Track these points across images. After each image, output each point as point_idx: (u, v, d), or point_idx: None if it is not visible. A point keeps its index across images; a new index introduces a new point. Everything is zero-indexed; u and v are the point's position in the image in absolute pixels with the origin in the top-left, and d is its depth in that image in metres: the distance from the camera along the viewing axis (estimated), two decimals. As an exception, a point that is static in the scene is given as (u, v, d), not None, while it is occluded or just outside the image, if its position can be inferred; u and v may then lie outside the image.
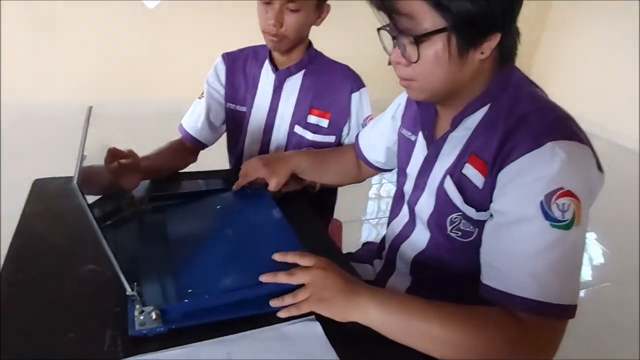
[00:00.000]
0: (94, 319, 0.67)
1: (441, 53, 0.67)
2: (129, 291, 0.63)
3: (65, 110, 3.17)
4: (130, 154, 0.91)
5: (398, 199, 0.97)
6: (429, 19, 0.65)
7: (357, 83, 1.18)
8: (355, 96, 1.17)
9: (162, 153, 1.13)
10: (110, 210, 0.81)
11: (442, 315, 0.64)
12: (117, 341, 0.63)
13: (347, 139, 1.22)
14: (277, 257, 0.74)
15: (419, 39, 0.66)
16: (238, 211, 0.97)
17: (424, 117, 0.86)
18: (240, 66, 1.21)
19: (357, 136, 1.12)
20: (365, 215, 2.68)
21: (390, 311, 0.65)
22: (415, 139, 0.89)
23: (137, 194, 0.95)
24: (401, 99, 1.00)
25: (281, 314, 0.68)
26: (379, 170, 1.11)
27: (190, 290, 0.70)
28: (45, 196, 0.97)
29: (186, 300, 0.68)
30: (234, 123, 1.24)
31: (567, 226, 0.62)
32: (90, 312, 0.68)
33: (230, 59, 1.21)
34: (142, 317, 0.65)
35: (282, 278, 0.70)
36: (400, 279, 0.94)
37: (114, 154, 0.85)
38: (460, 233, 0.78)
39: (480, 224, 0.75)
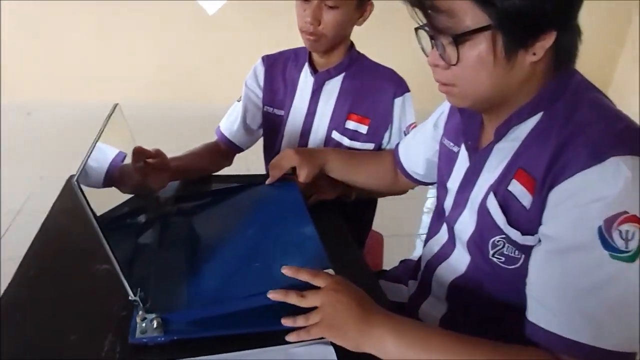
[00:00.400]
0: (99, 321, 0.64)
1: (485, 54, 0.59)
2: (131, 296, 0.60)
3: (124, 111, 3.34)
4: (158, 154, 0.90)
5: (438, 215, 0.87)
6: (471, 16, 0.57)
7: (401, 87, 1.10)
8: (398, 101, 1.09)
9: (194, 154, 1.12)
10: (132, 211, 0.80)
11: (471, 354, 0.55)
12: (115, 348, 0.60)
13: (388, 148, 1.14)
14: (287, 271, 0.66)
15: (460, 39, 0.59)
16: (262, 210, 0.92)
17: (467, 126, 0.77)
18: (279, 69, 1.18)
19: (397, 144, 1.04)
20: (419, 229, 2.55)
21: (410, 345, 0.57)
22: (458, 151, 0.80)
23: (164, 194, 0.94)
24: (445, 106, 0.91)
25: (290, 338, 0.62)
26: (418, 182, 1.02)
27: (196, 299, 0.65)
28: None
29: (187, 309, 0.63)
30: (270, 127, 1.21)
31: (631, 258, 0.52)
32: (96, 314, 0.66)
33: (270, 61, 1.18)
34: (143, 325, 0.61)
35: (292, 299, 0.63)
36: (435, 305, 0.85)
37: (139, 153, 0.84)
38: (503, 259, 0.69)
39: (527, 250, 0.65)
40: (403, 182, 1.05)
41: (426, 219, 2.65)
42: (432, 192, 2.90)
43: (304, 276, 0.65)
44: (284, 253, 0.77)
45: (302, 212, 0.86)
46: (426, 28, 0.63)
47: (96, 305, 0.67)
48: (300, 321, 0.62)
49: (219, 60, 3.60)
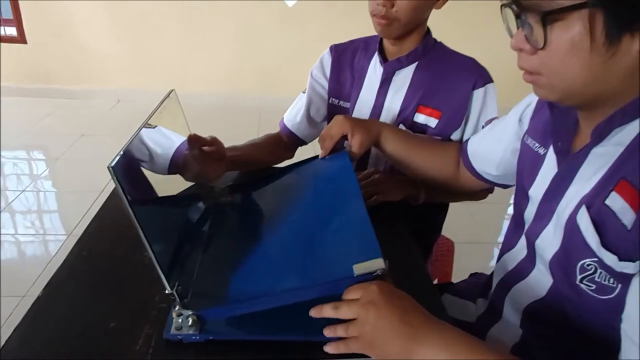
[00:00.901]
0: (140, 310, 0.62)
1: (579, 38, 0.48)
2: (168, 289, 0.57)
3: (202, 100, 3.48)
4: (214, 142, 0.87)
5: (515, 225, 0.75)
6: None
7: (482, 78, 0.97)
8: (478, 93, 0.97)
9: (254, 145, 1.08)
10: (183, 200, 0.78)
11: None
12: (150, 342, 0.57)
13: None
14: (314, 313, 0.58)
15: (549, 18, 0.49)
16: (313, 191, 0.83)
17: (557, 124, 0.65)
18: (348, 59, 1.11)
19: (467, 140, 0.93)
20: (499, 237, 2.35)
21: None
22: (545, 153, 0.68)
23: (218, 184, 0.91)
24: (532, 98, 0.78)
25: (328, 348, 0.56)
26: (489, 183, 0.90)
27: (236, 295, 0.61)
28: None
29: (221, 307, 0.59)
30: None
31: None
32: (138, 302, 0.64)
33: (338, 50, 1.12)
34: (179, 321, 0.58)
35: (327, 312, 0.56)
36: (506, 331, 0.73)
37: (193, 141, 0.82)
38: (594, 286, 0.56)
39: (624, 279, 0.52)
40: (467, 181, 0.93)
41: (506, 227, 2.43)
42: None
43: (328, 312, 0.56)
44: (331, 241, 0.67)
45: (353, 191, 0.73)
46: (513, 5, 0.53)
47: (140, 293, 0.65)
48: (340, 331, 0.55)
49: (293, 53, 3.61)
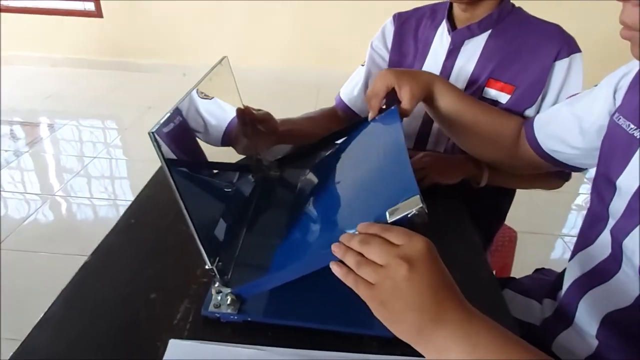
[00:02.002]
0: (180, 283, 0.61)
1: None
2: (208, 265, 0.54)
3: (260, 74, 3.48)
4: (265, 118, 0.84)
5: (594, 219, 0.65)
6: None
7: (567, 47, 0.84)
8: (561, 64, 0.85)
9: (308, 118, 1.04)
10: (231, 173, 0.76)
11: None
12: (188, 317, 0.56)
13: None
14: (361, 227, 0.47)
15: None
16: (360, 153, 0.74)
17: None
18: (411, 27, 1.02)
19: (537, 115, 0.80)
20: (563, 229, 2.18)
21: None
22: None
23: (270, 158, 0.88)
24: (628, 68, 0.65)
25: (334, 267, 0.46)
26: (554, 163, 0.77)
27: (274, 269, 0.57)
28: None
29: (254, 280, 0.55)
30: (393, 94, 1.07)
31: None
32: (180, 275, 0.63)
33: (402, 19, 1.03)
34: (219, 298, 0.56)
35: (353, 243, 0.46)
36: (578, 340, 0.64)
37: (242, 113, 0.78)
38: None
39: None
40: (525, 159, 0.80)
41: (573, 219, 2.26)
42: (585, 187, 2.45)
43: (376, 229, 0.45)
44: (372, 198, 0.59)
45: (399, 147, 0.63)
46: None
47: (182, 266, 0.64)
48: (350, 260, 0.45)
49: (354, 24, 3.49)
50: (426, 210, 0.44)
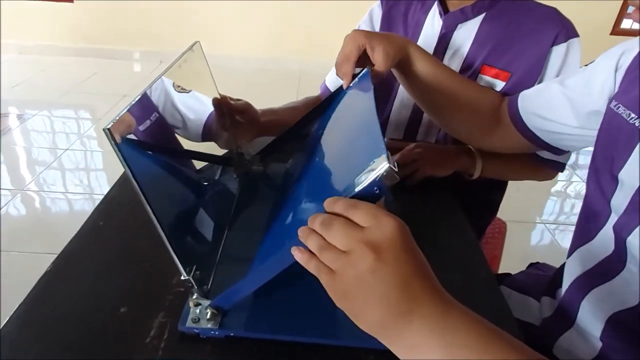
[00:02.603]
0: (154, 294, 0.55)
1: None
2: (183, 275, 0.49)
3: (241, 63, 3.39)
4: (244, 108, 0.78)
5: (591, 214, 0.61)
6: None
7: (565, 31, 0.80)
8: (558, 50, 0.80)
9: (293, 108, 0.98)
10: (209, 171, 0.69)
11: None
12: (163, 333, 0.50)
13: None
14: (326, 205, 0.40)
15: None
16: (335, 128, 0.65)
17: None
18: (400, 11, 0.96)
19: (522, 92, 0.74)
20: (543, 215, 2.18)
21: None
22: None
23: (252, 151, 0.82)
24: (629, 45, 0.60)
25: (295, 252, 0.40)
26: (539, 143, 0.72)
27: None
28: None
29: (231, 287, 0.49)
30: (382, 82, 1.01)
31: None
32: (152, 285, 0.56)
33: (390, 3, 0.97)
34: (197, 311, 0.50)
35: (315, 223, 0.39)
36: (582, 341, 0.61)
37: (219, 103, 0.72)
38: None
39: None
40: (510, 137, 0.74)
41: (552, 205, 2.27)
42: (564, 175, 2.46)
43: (341, 207, 0.38)
44: (341, 162, 0.52)
45: (369, 106, 0.55)
46: None
47: (156, 273, 0.58)
48: (312, 243, 0.39)
49: (339, 12, 3.41)
50: (395, 169, 0.37)
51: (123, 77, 3.39)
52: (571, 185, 2.45)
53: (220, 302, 0.50)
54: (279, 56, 3.62)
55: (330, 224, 0.38)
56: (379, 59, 0.67)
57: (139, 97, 0.47)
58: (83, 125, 2.74)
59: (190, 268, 0.49)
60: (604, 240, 0.59)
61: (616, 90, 0.59)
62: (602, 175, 0.58)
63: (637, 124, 0.53)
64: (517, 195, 1.06)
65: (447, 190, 0.84)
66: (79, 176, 2.24)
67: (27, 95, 3.05)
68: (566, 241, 2.06)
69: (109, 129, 0.39)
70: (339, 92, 0.72)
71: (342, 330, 0.50)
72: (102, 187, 2.15)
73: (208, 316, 0.49)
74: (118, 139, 0.41)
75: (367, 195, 0.38)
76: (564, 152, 0.75)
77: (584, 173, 2.53)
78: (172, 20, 3.56)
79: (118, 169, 0.40)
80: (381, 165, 0.37)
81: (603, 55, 0.64)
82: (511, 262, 1.19)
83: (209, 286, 0.52)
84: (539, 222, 2.16)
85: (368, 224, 0.36)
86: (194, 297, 0.50)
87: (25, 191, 2.06)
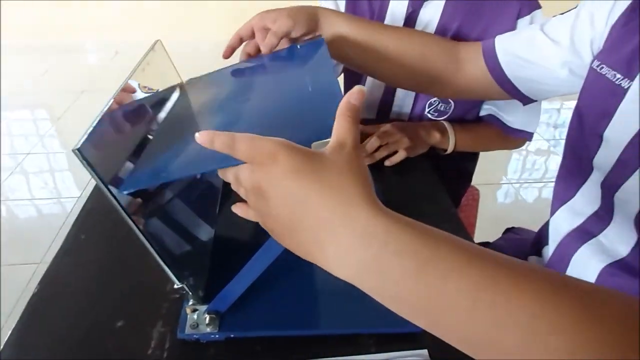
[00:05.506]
0: (149, 304, 0.55)
1: None
2: (177, 283, 0.49)
3: (200, 50, 3.28)
4: None
5: (574, 172, 0.63)
6: None
7: (528, 3, 0.82)
8: (523, 22, 0.82)
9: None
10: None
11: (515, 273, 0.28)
12: (164, 343, 0.50)
13: None
14: (202, 138, 0.35)
15: None
16: (276, 85, 0.61)
17: None
18: (365, -10, 0.95)
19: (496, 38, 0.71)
20: (507, 175, 2.27)
21: (387, 262, 0.30)
22: (628, 86, 0.53)
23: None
24: (614, 4, 0.57)
25: (235, 208, 0.40)
26: (512, 94, 0.70)
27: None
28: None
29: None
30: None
31: None
32: (147, 294, 0.56)
33: (354, -20, 0.96)
34: (195, 317, 0.50)
35: (240, 192, 0.38)
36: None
37: None
38: None
39: None
40: (476, 85, 0.73)
41: (515, 164, 2.35)
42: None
43: (220, 145, 0.34)
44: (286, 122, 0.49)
45: (328, 78, 0.52)
46: None
47: (148, 283, 0.57)
48: (242, 191, 0.37)
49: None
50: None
51: (78, 71, 3.24)
52: (532, 143, 2.53)
53: (216, 305, 0.50)
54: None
55: (232, 176, 0.37)
56: (275, 28, 0.64)
57: (106, 108, 0.45)
58: (42, 126, 2.62)
59: (183, 275, 0.49)
60: (588, 198, 0.61)
61: (601, 47, 0.59)
62: (585, 134, 0.60)
63: (623, 85, 0.54)
64: (482, 157, 1.10)
65: (426, 165, 0.86)
66: (44, 180, 2.16)
67: (-25, 99, 2.88)
68: (531, 197, 2.16)
69: (79, 150, 0.38)
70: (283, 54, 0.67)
71: (341, 319, 0.52)
72: (70, 189, 2.08)
73: (207, 321, 0.49)
74: (90, 158, 0.40)
75: None
76: (533, 101, 0.73)
77: (542, 130, 2.63)
78: (125, 7, 3.40)
79: (83, 167, 0.38)
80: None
81: (588, 6, 0.61)
82: (484, 225, 1.24)
83: (204, 291, 0.52)
84: (505, 183, 2.24)
85: (250, 161, 0.34)
86: (190, 303, 0.51)
87: (-10, 201, 1.97)
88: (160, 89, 0.63)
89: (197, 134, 0.34)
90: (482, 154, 1.08)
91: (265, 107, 0.54)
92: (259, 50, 0.66)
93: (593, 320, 0.26)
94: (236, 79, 0.66)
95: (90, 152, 0.39)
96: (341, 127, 0.35)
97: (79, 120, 2.61)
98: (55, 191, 2.08)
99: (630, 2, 0.56)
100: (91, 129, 0.41)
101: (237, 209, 0.39)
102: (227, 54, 0.68)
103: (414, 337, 0.50)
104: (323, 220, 0.31)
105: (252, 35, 0.67)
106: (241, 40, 0.68)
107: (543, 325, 0.26)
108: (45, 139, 2.46)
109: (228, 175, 0.37)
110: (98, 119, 0.43)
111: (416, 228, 0.30)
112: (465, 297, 0.27)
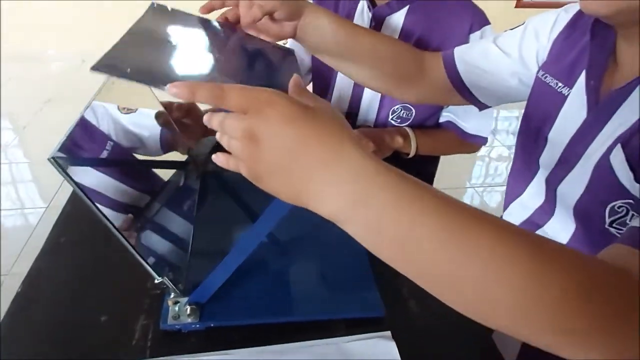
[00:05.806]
0: (131, 300, 0.58)
1: None
2: (156, 278, 0.52)
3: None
4: (188, 107, 0.80)
5: (523, 171, 0.70)
6: None
7: (478, 19, 0.90)
8: (474, 37, 0.90)
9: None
10: (175, 176, 0.72)
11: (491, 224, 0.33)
12: (147, 334, 0.53)
13: None
14: (179, 91, 0.35)
15: None
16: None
17: (594, 57, 0.58)
18: (331, 4, 1.01)
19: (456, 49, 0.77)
20: (471, 180, 2.38)
21: (371, 207, 0.33)
22: (568, 93, 0.61)
23: (202, 150, 0.84)
24: (556, 15, 0.66)
25: (215, 157, 0.39)
26: (461, 93, 0.75)
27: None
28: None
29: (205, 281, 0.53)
30: (320, 75, 1.06)
31: None
32: (129, 291, 0.59)
33: (321, -6, 1.02)
34: (176, 309, 0.54)
35: (223, 142, 0.38)
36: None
37: (160, 116, 0.73)
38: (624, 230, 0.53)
39: None
40: (435, 79, 0.77)
41: (479, 169, 2.47)
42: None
43: (202, 96, 0.35)
44: None
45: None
46: None
47: (129, 281, 0.60)
48: (225, 140, 0.37)
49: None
50: None
51: (43, 80, 3.17)
52: (493, 150, 2.67)
53: (196, 297, 0.54)
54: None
55: (219, 123, 0.37)
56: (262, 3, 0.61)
57: (79, 118, 0.48)
58: (5, 136, 2.56)
59: (163, 270, 0.53)
60: (536, 191, 0.68)
61: (545, 59, 0.66)
62: (532, 137, 0.67)
63: (564, 92, 0.62)
64: (449, 164, 1.17)
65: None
66: (6, 191, 2.10)
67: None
68: (494, 201, 2.27)
69: (54, 158, 0.41)
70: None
71: (313, 306, 0.56)
72: (34, 200, 2.04)
73: (188, 312, 0.53)
74: (65, 166, 0.43)
75: None
76: (488, 107, 0.80)
77: (503, 138, 2.77)
78: (90, 13, 3.35)
79: (48, 178, 0.41)
80: None
81: (532, 21, 0.69)
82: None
83: (185, 284, 0.56)
84: (469, 187, 2.35)
85: (243, 110, 0.35)
86: (172, 296, 0.54)
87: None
88: (138, 106, 0.66)
89: (169, 86, 0.35)
90: (447, 161, 1.15)
91: (228, 68, 0.55)
92: (237, 21, 0.64)
93: (547, 254, 0.32)
94: (207, 31, 0.63)
95: (64, 160, 0.42)
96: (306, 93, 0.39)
97: (44, 129, 2.57)
98: (19, 202, 2.04)
99: (569, 18, 0.64)
100: (65, 137, 0.44)
101: (218, 158, 0.38)
102: (205, 11, 0.64)
103: (380, 321, 0.56)
104: (319, 158, 0.34)
105: (235, 4, 0.64)
106: (223, 5, 0.64)
107: (499, 259, 0.31)
108: (9, 149, 2.40)
109: (213, 122, 0.37)
110: (72, 127, 0.46)
111: (399, 172, 0.35)
112: (435, 234, 0.32)
